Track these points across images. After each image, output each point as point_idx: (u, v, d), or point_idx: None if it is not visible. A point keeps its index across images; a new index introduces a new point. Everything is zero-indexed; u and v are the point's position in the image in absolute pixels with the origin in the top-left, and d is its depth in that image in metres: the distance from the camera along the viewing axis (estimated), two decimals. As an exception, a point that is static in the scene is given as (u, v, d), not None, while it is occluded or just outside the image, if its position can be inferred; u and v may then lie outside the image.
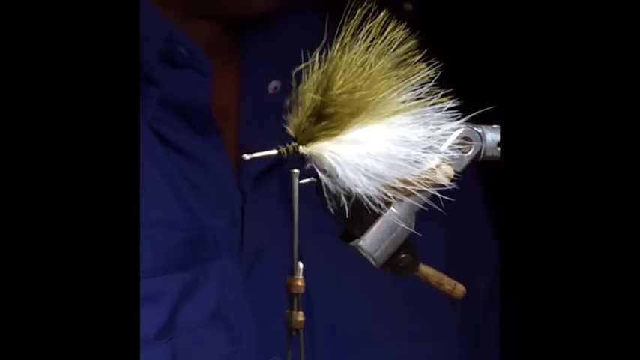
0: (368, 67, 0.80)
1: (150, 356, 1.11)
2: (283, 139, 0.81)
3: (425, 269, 0.84)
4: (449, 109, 0.82)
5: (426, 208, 0.82)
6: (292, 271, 0.82)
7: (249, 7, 1.21)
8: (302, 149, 0.81)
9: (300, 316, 0.82)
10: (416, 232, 0.82)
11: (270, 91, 1.23)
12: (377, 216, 0.81)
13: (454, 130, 0.82)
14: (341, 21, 0.80)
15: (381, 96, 0.80)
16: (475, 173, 1.28)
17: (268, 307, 1.15)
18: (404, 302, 1.23)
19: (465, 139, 0.83)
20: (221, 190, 1.20)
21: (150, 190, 1.14)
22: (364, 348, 1.22)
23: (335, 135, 0.80)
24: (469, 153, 0.83)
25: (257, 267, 1.19)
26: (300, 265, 0.82)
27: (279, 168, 1.20)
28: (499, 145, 0.83)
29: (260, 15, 1.22)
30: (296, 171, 0.81)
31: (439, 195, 0.82)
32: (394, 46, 0.81)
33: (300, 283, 0.81)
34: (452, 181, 0.82)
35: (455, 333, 1.27)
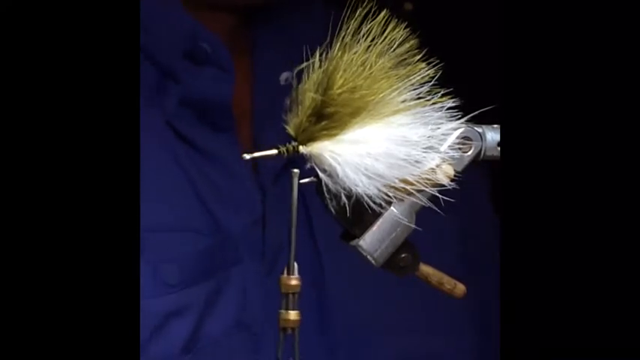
0: (368, 66, 0.80)
1: None
2: None
3: (425, 269, 0.84)
4: (449, 108, 0.82)
5: (432, 205, 0.82)
6: (287, 270, 0.82)
7: None
8: (302, 149, 0.81)
9: (295, 315, 0.82)
10: (418, 228, 0.82)
11: (282, 82, 1.23)
12: (377, 215, 0.81)
13: (454, 129, 0.82)
14: (343, 16, 0.80)
15: (381, 95, 0.80)
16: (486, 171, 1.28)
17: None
18: (418, 295, 1.23)
19: (465, 139, 0.83)
20: (240, 188, 1.19)
21: (172, 193, 1.14)
22: (378, 339, 1.22)
23: (335, 134, 0.80)
24: (469, 152, 0.83)
25: (279, 263, 1.18)
26: (295, 264, 0.82)
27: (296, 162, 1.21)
28: (499, 144, 0.83)
29: (270, 4, 1.22)
30: (296, 171, 0.81)
31: (443, 194, 0.82)
32: (394, 46, 0.81)
33: (293, 282, 0.81)
34: (452, 180, 0.82)
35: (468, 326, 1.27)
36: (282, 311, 0.82)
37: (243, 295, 1.16)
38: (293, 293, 0.82)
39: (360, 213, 0.81)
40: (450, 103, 0.82)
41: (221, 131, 1.19)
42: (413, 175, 0.81)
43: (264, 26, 1.24)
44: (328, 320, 1.19)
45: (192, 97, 1.18)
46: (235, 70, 1.20)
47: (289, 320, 0.82)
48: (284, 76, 1.22)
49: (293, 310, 0.82)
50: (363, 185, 0.80)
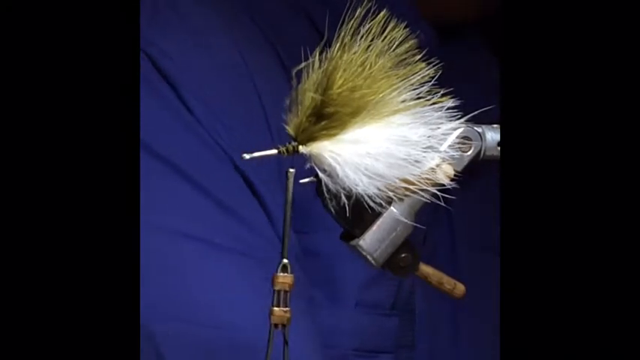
0: (368, 66, 0.80)
1: None
2: None
3: (425, 269, 0.84)
4: (449, 108, 0.82)
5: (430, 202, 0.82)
6: (280, 267, 0.82)
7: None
8: (302, 149, 0.81)
9: (286, 312, 0.82)
10: (420, 226, 0.82)
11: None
12: (377, 215, 0.81)
13: (454, 129, 0.82)
14: (343, 16, 0.80)
15: (381, 95, 0.80)
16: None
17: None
18: None
19: (465, 139, 0.83)
20: None
21: None
22: None
23: (335, 134, 0.80)
24: (469, 152, 0.83)
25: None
26: (285, 261, 0.82)
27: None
28: (499, 144, 0.83)
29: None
30: (292, 171, 0.81)
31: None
32: (394, 46, 0.81)
33: (281, 280, 0.82)
34: (452, 180, 0.82)
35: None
36: (277, 308, 0.82)
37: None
38: (285, 291, 0.82)
39: (360, 213, 0.81)
40: (450, 103, 0.81)
41: None
42: (413, 174, 0.81)
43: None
44: None
45: None
46: None
47: (282, 317, 0.82)
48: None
49: (285, 307, 0.82)
50: (362, 185, 0.80)
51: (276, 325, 0.81)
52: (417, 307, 1.24)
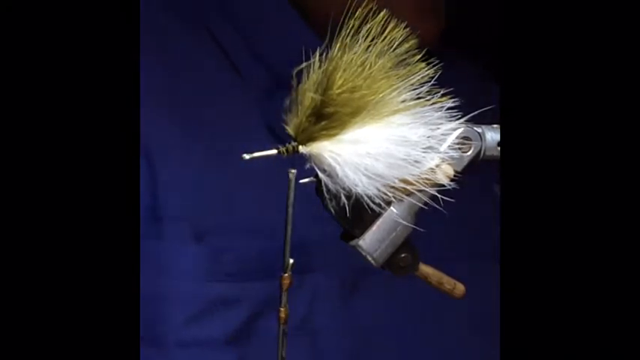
0: (368, 66, 0.80)
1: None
2: None
3: (425, 269, 0.84)
4: (449, 108, 0.82)
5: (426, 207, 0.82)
6: (284, 268, 0.82)
7: None
8: (302, 149, 0.81)
9: (286, 312, 0.82)
10: (419, 229, 0.82)
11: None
12: (377, 215, 0.81)
13: (454, 129, 0.82)
14: (343, 16, 0.80)
15: (380, 95, 0.80)
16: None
17: (366, 330, 1.18)
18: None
19: (464, 139, 0.83)
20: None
21: (264, 193, 1.15)
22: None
23: (335, 134, 0.80)
24: (469, 152, 0.83)
25: (361, 284, 1.20)
26: (291, 260, 0.82)
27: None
28: (499, 144, 0.83)
29: None
30: (293, 171, 0.82)
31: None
32: (394, 46, 0.81)
33: (287, 280, 0.82)
34: (452, 180, 0.82)
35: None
36: (282, 308, 0.83)
37: (313, 304, 1.17)
38: (286, 290, 0.82)
39: (360, 213, 0.81)
40: (450, 103, 0.82)
41: None
42: (413, 175, 0.81)
43: None
44: None
45: None
46: None
47: (285, 317, 0.82)
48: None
49: (285, 307, 0.83)
50: (362, 185, 0.80)
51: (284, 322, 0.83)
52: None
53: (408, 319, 1.22)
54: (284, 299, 0.83)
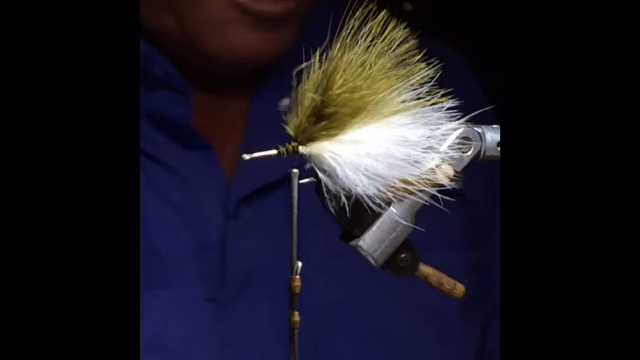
0: (368, 66, 0.80)
1: None
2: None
3: (425, 269, 0.84)
4: (449, 108, 0.82)
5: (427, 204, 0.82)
6: (292, 270, 0.82)
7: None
8: (302, 149, 0.81)
9: (298, 316, 0.82)
10: (419, 228, 0.82)
11: (281, 108, 1.22)
12: (377, 216, 0.81)
13: (454, 129, 0.82)
14: (343, 16, 0.80)
15: (380, 96, 0.80)
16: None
17: (245, 338, 1.17)
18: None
19: (464, 139, 0.83)
20: (200, 209, 1.20)
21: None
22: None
23: (335, 135, 0.80)
24: (469, 153, 0.83)
25: (248, 289, 1.19)
26: (299, 264, 0.82)
27: (275, 188, 1.20)
28: (499, 144, 0.83)
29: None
30: (295, 171, 0.81)
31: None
32: (394, 46, 0.81)
33: (297, 282, 0.82)
34: (452, 180, 0.82)
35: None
36: (293, 312, 0.82)
37: (168, 319, 1.16)
38: (297, 294, 0.82)
39: (360, 213, 0.81)
40: (450, 103, 0.81)
41: (193, 149, 1.21)
42: (413, 175, 0.81)
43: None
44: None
45: (153, 119, 1.19)
46: (235, 89, 1.22)
47: (296, 321, 0.82)
48: (284, 102, 1.22)
49: (296, 310, 0.82)
50: (362, 185, 0.80)
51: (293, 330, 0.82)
52: None
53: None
54: (294, 303, 0.82)
